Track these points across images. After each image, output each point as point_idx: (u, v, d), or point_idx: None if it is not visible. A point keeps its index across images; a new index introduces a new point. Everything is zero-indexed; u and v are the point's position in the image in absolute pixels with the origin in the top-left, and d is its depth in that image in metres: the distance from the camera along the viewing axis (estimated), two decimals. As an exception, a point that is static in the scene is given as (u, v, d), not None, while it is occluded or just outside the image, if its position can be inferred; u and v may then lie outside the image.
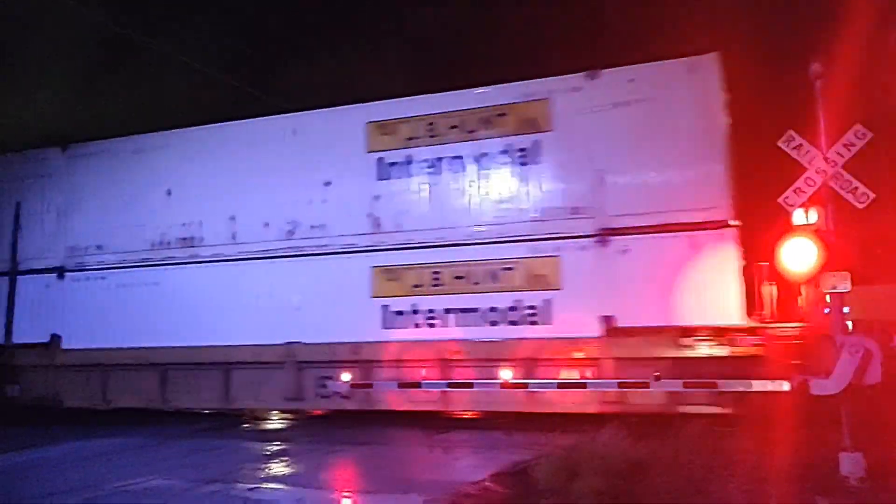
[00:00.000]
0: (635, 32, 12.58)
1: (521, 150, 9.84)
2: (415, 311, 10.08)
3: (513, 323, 9.58)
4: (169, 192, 11.69)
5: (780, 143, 6.64)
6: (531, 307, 9.53)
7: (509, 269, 9.68)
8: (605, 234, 9.25)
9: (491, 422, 10.34)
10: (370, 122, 10.62)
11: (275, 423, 12.07)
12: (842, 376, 5.85)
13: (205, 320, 11.08)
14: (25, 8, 14.23)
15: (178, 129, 11.89)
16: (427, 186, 10.28)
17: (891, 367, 6.17)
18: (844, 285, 6.00)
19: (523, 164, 9.84)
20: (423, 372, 9.80)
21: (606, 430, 6.89)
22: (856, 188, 6.19)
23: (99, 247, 12.09)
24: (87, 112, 13.98)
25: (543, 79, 9.89)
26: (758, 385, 8.08)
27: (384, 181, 10.52)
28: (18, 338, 12.47)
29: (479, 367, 9.63)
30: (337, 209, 10.71)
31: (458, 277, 9.92)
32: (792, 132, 6.50)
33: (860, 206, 6.25)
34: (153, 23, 15.90)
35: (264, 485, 7.37)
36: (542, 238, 9.55)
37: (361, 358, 10.15)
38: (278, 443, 9.93)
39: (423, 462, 8.58)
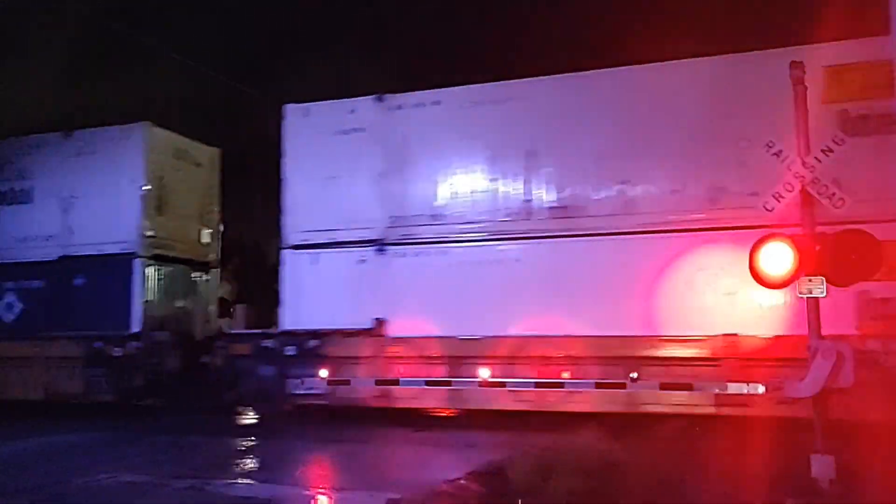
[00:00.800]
0: None
1: None
2: (909, 300, 8.10)
3: None
4: (532, 153, 9.74)
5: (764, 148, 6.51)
6: None
7: None
8: None
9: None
10: (829, 66, 8.63)
11: (251, 418, 11.41)
12: (816, 380, 5.77)
13: (592, 305, 9.13)
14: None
15: (540, 78, 9.94)
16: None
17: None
18: (820, 290, 5.92)
19: None
20: None
21: (582, 430, 6.81)
22: (833, 193, 6.11)
23: (434, 216, 10.15)
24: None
25: None
26: (734, 387, 8.34)
27: (851, 138, 8.51)
28: (315, 322, 10.56)
29: None
30: (778, 173, 8.71)
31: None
32: (772, 139, 6.46)
33: (836, 210, 6.13)
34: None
35: (239, 480, 7.20)
36: None
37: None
38: (253, 439, 9.56)
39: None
